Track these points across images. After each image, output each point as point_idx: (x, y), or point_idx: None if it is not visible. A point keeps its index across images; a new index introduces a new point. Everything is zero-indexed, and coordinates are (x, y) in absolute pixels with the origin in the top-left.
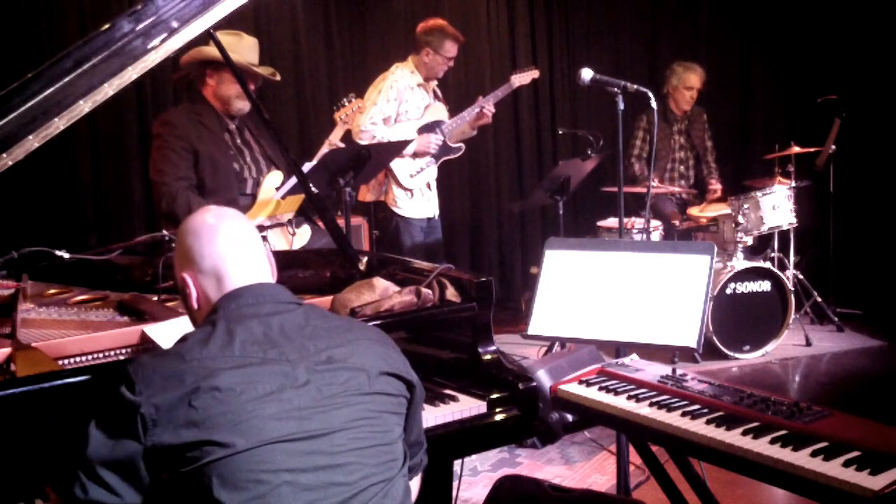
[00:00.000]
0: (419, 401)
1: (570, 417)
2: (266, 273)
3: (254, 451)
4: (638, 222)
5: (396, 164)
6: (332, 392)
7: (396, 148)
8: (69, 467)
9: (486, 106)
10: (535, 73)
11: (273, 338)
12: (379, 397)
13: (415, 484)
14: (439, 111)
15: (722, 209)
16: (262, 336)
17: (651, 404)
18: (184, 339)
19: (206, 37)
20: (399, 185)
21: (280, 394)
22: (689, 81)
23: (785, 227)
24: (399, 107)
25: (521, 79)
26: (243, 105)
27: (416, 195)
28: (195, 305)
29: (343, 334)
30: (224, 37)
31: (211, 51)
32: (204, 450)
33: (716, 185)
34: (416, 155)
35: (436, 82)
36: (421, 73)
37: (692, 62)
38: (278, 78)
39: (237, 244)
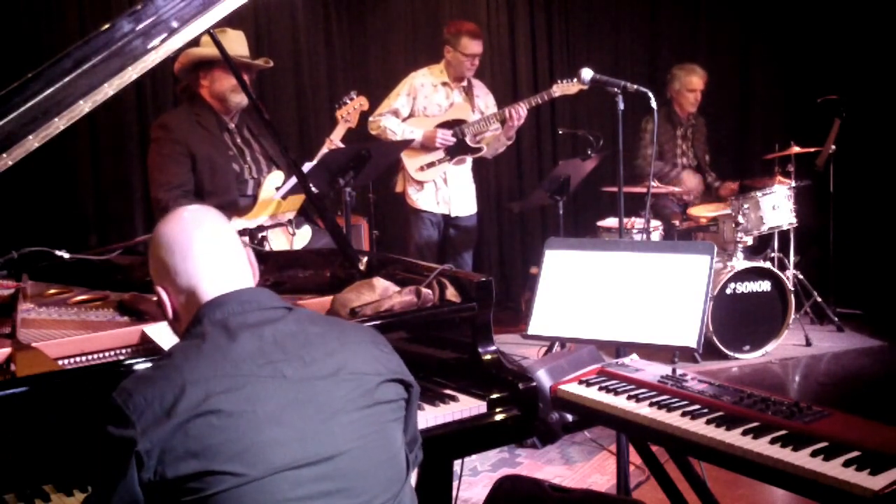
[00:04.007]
0: (415, 399)
1: (570, 417)
2: (247, 277)
3: (259, 482)
4: (638, 222)
5: (407, 157)
6: (334, 409)
7: (396, 148)
8: None
9: (515, 111)
10: (583, 85)
11: (267, 351)
12: (380, 407)
13: (411, 479)
14: (462, 111)
15: (722, 209)
16: (256, 350)
17: (651, 404)
18: (170, 355)
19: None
20: (409, 177)
21: (280, 416)
22: (691, 84)
23: (785, 227)
24: (415, 103)
25: (565, 89)
26: (240, 99)
27: (427, 188)
28: (171, 317)
29: (336, 339)
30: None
31: (198, 51)
32: (205, 480)
33: (725, 183)
34: (422, 148)
35: (466, 82)
36: (449, 73)
37: (691, 63)
38: (271, 64)
39: (213, 252)
